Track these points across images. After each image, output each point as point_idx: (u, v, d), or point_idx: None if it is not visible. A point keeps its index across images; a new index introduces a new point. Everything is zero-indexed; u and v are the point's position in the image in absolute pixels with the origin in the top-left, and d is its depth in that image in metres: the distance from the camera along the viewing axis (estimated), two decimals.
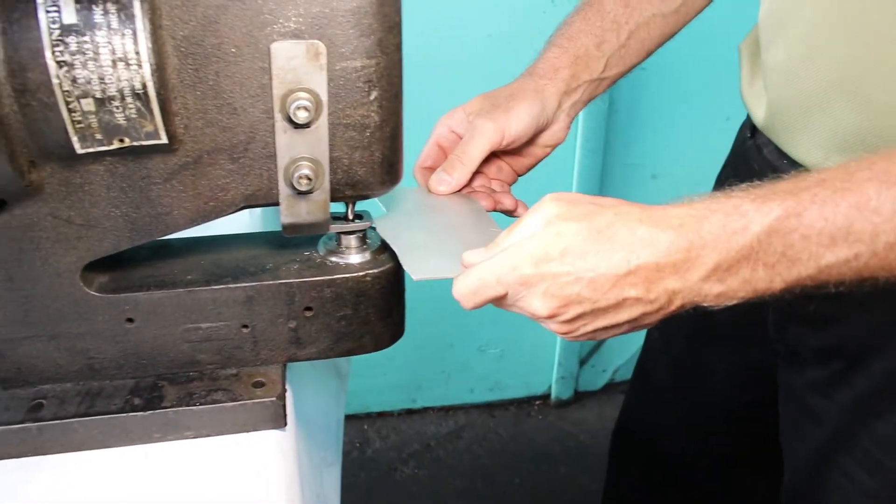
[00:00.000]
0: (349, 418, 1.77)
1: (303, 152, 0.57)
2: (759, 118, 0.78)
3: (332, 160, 0.58)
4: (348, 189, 0.60)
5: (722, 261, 0.52)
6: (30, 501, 0.58)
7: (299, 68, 0.54)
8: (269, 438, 0.63)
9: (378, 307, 0.65)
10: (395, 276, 0.66)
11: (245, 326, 0.64)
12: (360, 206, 0.67)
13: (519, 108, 0.74)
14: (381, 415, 1.77)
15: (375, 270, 0.64)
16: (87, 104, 0.51)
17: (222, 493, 0.58)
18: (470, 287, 0.56)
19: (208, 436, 0.63)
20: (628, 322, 0.56)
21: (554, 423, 1.78)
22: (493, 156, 0.78)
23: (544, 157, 0.82)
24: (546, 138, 0.79)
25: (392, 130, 0.60)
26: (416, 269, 0.61)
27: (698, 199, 0.54)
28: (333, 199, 0.60)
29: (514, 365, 1.76)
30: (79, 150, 0.53)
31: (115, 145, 0.53)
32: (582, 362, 1.79)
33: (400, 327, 0.69)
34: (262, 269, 0.64)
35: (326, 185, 0.59)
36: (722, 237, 0.51)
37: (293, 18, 0.53)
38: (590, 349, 1.79)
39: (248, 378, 0.64)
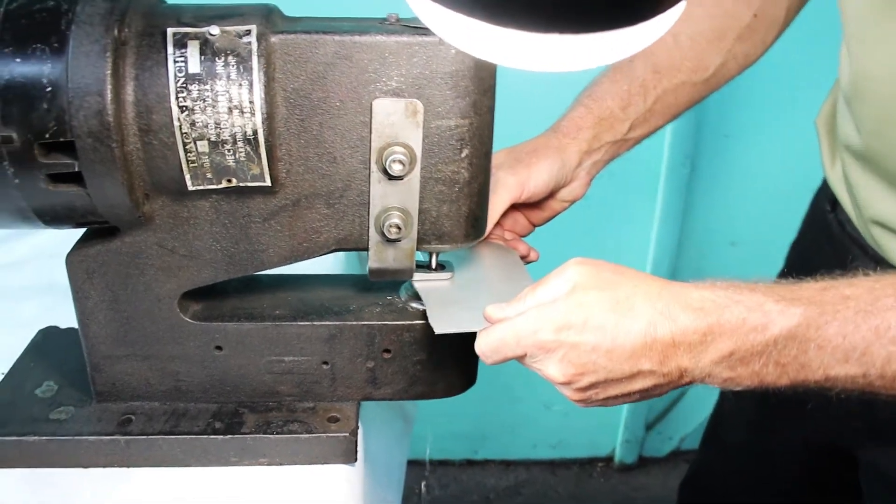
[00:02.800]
0: (410, 463, 1.78)
1: (394, 202, 0.60)
2: (842, 198, 0.78)
3: (420, 211, 0.61)
4: (434, 240, 0.63)
5: (736, 350, 0.53)
6: None
7: (397, 124, 0.58)
8: (338, 472, 0.66)
9: (453, 354, 0.67)
10: None
11: (325, 363, 0.67)
12: (443, 256, 0.70)
13: (540, 164, 0.76)
14: (442, 463, 1.77)
15: None
16: (203, 146, 0.55)
17: None
18: (490, 345, 0.58)
19: (281, 464, 0.66)
20: (640, 392, 0.57)
21: (616, 487, 1.75)
22: (512, 208, 0.79)
23: (562, 211, 0.83)
24: (564, 194, 0.81)
25: (480, 187, 0.62)
26: (440, 322, 0.62)
27: (721, 284, 0.55)
28: (419, 249, 0.63)
29: (578, 424, 1.74)
30: (190, 187, 0.57)
31: (223, 185, 0.58)
32: (648, 427, 1.76)
33: (472, 376, 0.71)
34: (346, 309, 0.67)
35: (414, 234, 0.62)
36: (740, 329, 0.53)
37: (395, 78, 0.57)
38: (657, 414, 1.76)
39: (323, 412, 0.67)
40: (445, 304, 0.65)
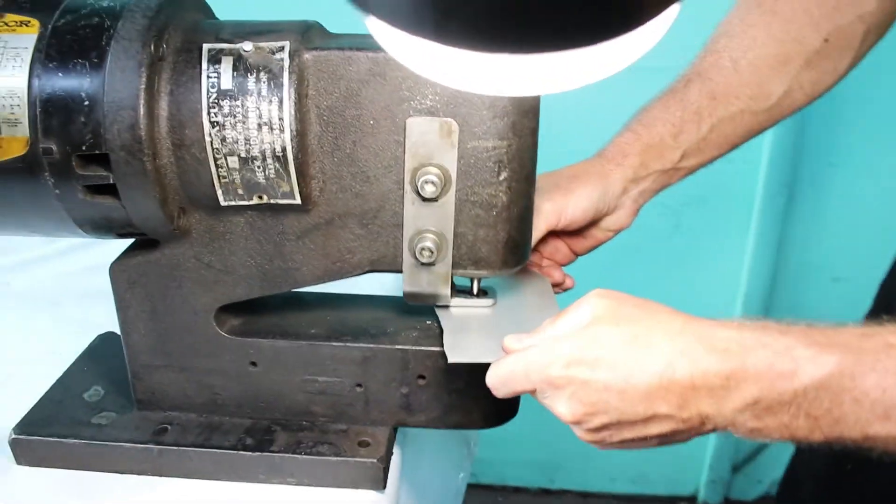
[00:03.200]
0: (483, 488, 1.75)
1: (428, 225, 0.59)
2: None
3: (456, 235, 0.59)
4: (470, 265, 0.61)
5: (762, 398, 0.48)
6: None
7: (431, 143, 0.56)
8: (367, 498, 0.64)
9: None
10: None
11: (359, 385, 0.65)
12: (487, 283, 0.67)
13: (580, 190, 0.72)
14: (516, 490, 1.73)
15: None
16: (233, 162, 0.55)
17: None
18: (500, 377, 0.55)
19: (309, 485, 0.64)
20: (658, 437, 0.52)
21: None
22: (552, 235, 0.75)
23: (606, 241, 0.79)
24: (609, 223, 0.76)
25: (520, 212, 0.60)
26: (454, 351, 0.60)
27: (750, 325, 0.50)
28: (455, 274, 0.61)
29: (660, 459, 1.66)
30: (222, 202, 0.57)
31: (255, 201, 0.57)
32: (736, 468, 1.66)
33: (512, 408, 0.68)
34: (383, 332, 0.65)
35: (448, 258, 0.60)
36: (766, 376, 0.48)
37: (430, 96, 0.55)
38: (746, 455, 1.65)
39: (355, 436, 0.66)
40: (463, 331, 0.63)
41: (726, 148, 0.77)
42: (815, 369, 0.47)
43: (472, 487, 1.75)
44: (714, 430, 0.51)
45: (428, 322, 0.67)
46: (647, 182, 0.75)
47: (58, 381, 0.72)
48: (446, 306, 0.65)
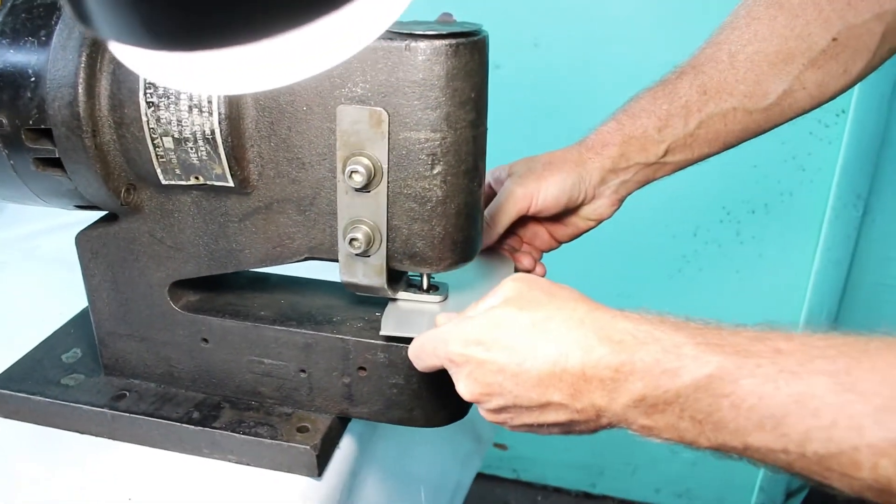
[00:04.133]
0: (523, 485, 1.73)
1: (362, 215, 0.58)
2: None
3: (390, 228, 0.58)
4: (406, 259, 0.59)
5: (647, 395, 0.46)
6: (93, 472, 0.65)
7: (362, 133, 0.55)
8: (301, 484, 0.64)
9: (431, 384, 0.63)
10: None
11: (303, 371, 0.66)
12: (441, 277, 0.66)
13: (553, 177, 0.71)
14: (556, 490, 1.69)
15: None
16: (168, 142, 0.56)
17: None
18: (414, 350, 0.57)
19: (247, 465, 0.65)
20: (557, 425, 0.51)
21: None
22: (532, 220, 0.75)
23: (588, 230, 0.77)
24: (588, 211, 0.75)
25: (459, 208, 0.58)
26: (387, 325, 0.62)
27: (649, 317, 0.49)
28: (392, 267, 0.60)
29: (708, 476, 1.58)
30: (163, 181, 0.59)
31: (192, 181, 0.58)
32: (789, 494, 1.56)
33: (458, 410, 0.66)
34: (328, 319, 0.65)
35: (383, 251, 0.59)
36: (652, 372, 0.46)
37: (360, 84, 0.54)
38: (801, 483, 1.56)
39: (297, 420, 0.66)
40: (405, 308, 0.64)
41: (718, 146, 0.73)
42: (697, 369, 0.45)
43: (511, 483, 1.74)
44: (610, 425, 0.49)
45: (378, 314, 0.66)
46: (629, 174, 0.73)
47: (44, 340, 0.76)
48: (395, 299, 0.65)
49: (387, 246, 0.59)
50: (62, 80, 0.55)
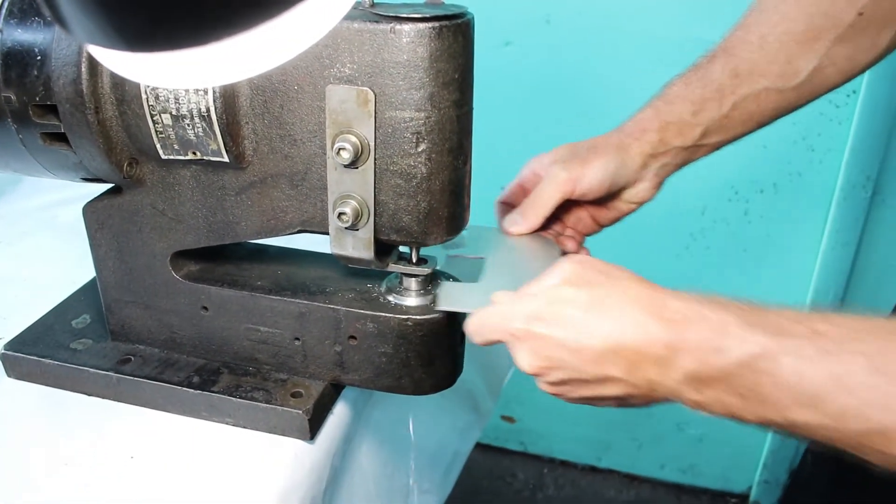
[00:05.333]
0: (530, 457, 1.76)
1: (351, 190, 0.60)
2: None
3: (377, 203, 0.61)
4: (393, 233, 0.62)
5: (697, 372, 0.50)
6: (99, 432, 0.68)
7: (350, 111, 0.57)
8: (294, 447, 0.67)
9: (418, 353, 0.66)
10: (443, 326, 0.66)
11: (297, 339, 0.68)
12: (427, 252, 0.68)
13: (596, 161, 0.73)
14: (563, 463, 1.72)
15: (419, 317, 0.65)
16: (166, 118, 0.59)
17: (230, 481, 0.64)
18: (475, 325, 0.60)
19: (244, 427, 0.69)
20: (615, 398, 0.55)
21: None
22: (575, 205, 0.77)
23: (629, 213, 0.79)
24: (631, 195, 0.77)
25: (443, 184, 0.60)
26: (445, 300, 0.66)
27: (699, 297, 0.52)
28: (380, 241, 0.62)
29: (712, 452, 1.60)
30: (163, 155, 0.62)
31: (190, 156, 0.61)
32: (793, 473, 1.58)
33: (446, 379, 0.69)
34: (322, 290, 0.68)
35: (370, 225, 0.61)
36: (700, 350, 0.49)
37: (348, 65, 0.57)
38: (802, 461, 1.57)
39: (292, 386, 0.69)
40: (461, 285, 0.68)
41: (752, 125, 0.75)
42: (743, 347, 0.48)
43: (518, 455, 1.77)
44: (665, 399, 0.53)
45: (369, 285, 0.69)
46: (668, 157, 0.75)
47: (56, 306, 0.80)
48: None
49: (374, 220, 0.61)
50: (66, 58, 0.58)
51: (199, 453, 0.67)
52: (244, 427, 0.69)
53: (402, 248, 0.69)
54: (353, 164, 0.58)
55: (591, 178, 0.73)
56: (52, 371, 0.72)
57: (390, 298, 0.67)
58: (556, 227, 0.79)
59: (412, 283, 0.67)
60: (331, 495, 0.71)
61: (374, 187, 0.60)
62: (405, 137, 0.58)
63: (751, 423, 0.50)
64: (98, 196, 0.69)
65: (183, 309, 0.70)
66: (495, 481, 1.70)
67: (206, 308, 0.70)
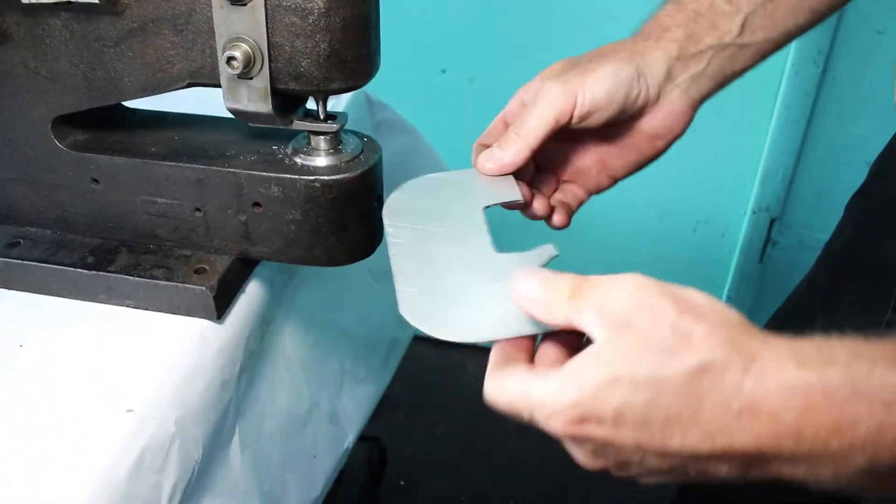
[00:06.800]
0: (481, 351, 1.73)
1: (240, 32, 0.53)
2: None
3: (271, 46, 0.54)
4: (291, 81, 0.55)
5: (877, 466, 0.35)
6: None
7: None
8: (199, 326, 0.62)
9: (329, 219, 0.61)
10: (355, 188, 0.60)
11: (198, 210, 0.63)
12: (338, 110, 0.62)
13: (601, 69, 0.56)
14: None
15: (328, 178, 0.59)
16: None
17: (130, 365, 0.59)
18: (500, 407, 0.42)
19: (146, 309, 0.63)
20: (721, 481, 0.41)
21: None
22: (577, 144, 0.61)
23: (654, 157, 0.61)
24: (654, 124, 0.59)
25: (344, 21, 0.53)
26: (408, 308, 0.49)
27: (838, 350, 0.36)
28: (278, 91, 0.56)
29: None
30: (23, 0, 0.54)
31: None
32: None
33: (363, 247, 0.64)
34: (221, 154, 0.62)
35: (265, 72, 0.55)
36: (875, 441, 0.35)
37: None
38: None
39: (195, 262, 0.64)
40: (415, 276, 0.51)
41: (806, 15, 0.60)
42: None
43: (469, 350, 1.72)
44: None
45: (274, 147, 0.63)
46: (701, 63, 0.58)
47: None
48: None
49: (269, 66, 0.55)
50: None
51: (96, 339, 0.61)
52: (145, 309, 0.63)
53: (309, 106, 0.62)
54: (240, 0, 0.52)
55: (594, 90, 0.55)
56: None
57: (297, 160, 0.61)
58: (544, 187, 0.63)
59: (321, 143, 0.61)
60: (248, 380, 0.67)
61: (267, 27, 0.53)
62: None
63: None
64: None
65: (72, 183, 0.64)
66: (446, 374, 1.68)
67: (96, 181, 0.63)
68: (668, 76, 0.58)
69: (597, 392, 0.37)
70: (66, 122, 0.62)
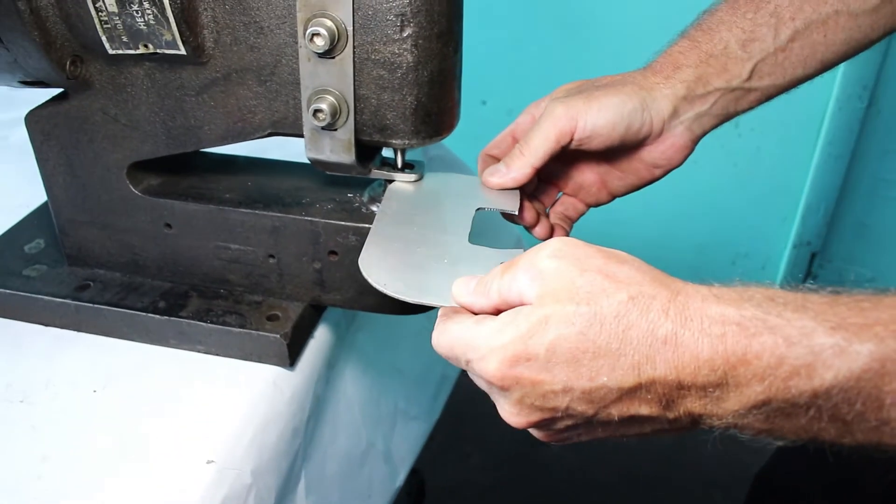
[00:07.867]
0: None
1: (327, 84, 0.53)
2: None
3: (358, 98, 0.54)
4: (376, 133, 0.55)
5: (771, 399, 0.37)
6: (58, 365, 0.62)
7: None
8: (272, 374, 0.62)
9: None
10: None
11: (272, 256, 0.62)
12: (414, 155, 0.62)
13: (607, 98, 0.58)
14: None
15: None
16: (111, 5, 0.52)
17: (203, 413, 0.58)
18: (439, 349, 0.47)
19: (217, 355, 0.63)
20: (638, 435, 0.44)
21: None
22: (580, 161, 0.63)
23: (651, 181, 0.63)
24: (654, 155, 0.61)
25: (432, 75, 0.53)
26: (370, 267, 0.53)
27: (756, 293, 0.39)
28: (362, 142, 0.56)
29: None
30: (109, 50, 0.54)
31: (142, 50, 0.54)
32: None
33: None
34: (298, 202, 0.62)
35: (350, 124, 0.55)
36: (776, 372, 0.37)
37: None
38: None
39: (267, 309, 0.63)
40: (389, 240, 0.55)
41: (814, 66, 0.60)
42: (843, 364, 0.36)
43: None
44: (711, 429, 0.41)
45: (350, 195, 0.63)
46: (706, 103, 0.60)
47: (5, 232, 0.73)
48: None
49: (355, 118, 0.54)
50: None
51: (169, 384, 0.61)
52: (217, 354, 0.63)
53: (385, 153, 0.62)
54: (328, 53, 0.51)
55: (597, 117, 0.57)
56: (3, 300, 0.66)
57: (374, 208, 0.61)
58: (545, 198, 0.65)
59: None
60: (314, 425, 0.66)
61: (354, 80, 0.53)
62: (388, 20, 0.51)
63: (847, 445, 0.39)
64: (41, 104, 0.61)
65: (144, 227, 0.64)
66: (480, 405, 1.67)
67: (169, 225, 0.63)
68: (674, 113, 0.60)
69: (530, 330, 0.40)
70: (139, 167, 0.62)
